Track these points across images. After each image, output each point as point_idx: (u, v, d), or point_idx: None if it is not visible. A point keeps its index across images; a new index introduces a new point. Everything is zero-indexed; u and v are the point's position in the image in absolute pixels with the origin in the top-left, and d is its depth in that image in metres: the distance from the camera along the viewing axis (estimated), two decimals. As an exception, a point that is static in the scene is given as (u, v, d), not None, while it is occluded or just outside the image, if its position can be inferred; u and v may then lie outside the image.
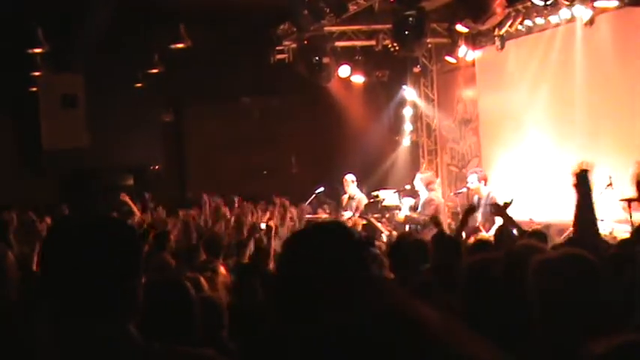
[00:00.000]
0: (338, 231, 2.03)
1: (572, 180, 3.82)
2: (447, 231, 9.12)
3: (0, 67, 13.52)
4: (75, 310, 1.76)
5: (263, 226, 8.35)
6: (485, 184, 10.01)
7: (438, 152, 15.04)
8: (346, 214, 11.42)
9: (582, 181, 3.78)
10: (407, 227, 10.06)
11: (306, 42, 12.71)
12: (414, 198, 10.66)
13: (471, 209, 6.92)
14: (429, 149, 15.16)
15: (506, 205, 6.32)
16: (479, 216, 9.36)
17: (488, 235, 8.44)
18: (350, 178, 11.84)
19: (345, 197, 11.87)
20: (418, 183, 10.28)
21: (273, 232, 7.33)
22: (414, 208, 10.27)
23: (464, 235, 6.61)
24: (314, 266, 1.87)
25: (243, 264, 6.24)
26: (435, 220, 7.56)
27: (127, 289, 1.80)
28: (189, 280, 4.22)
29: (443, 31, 13.09)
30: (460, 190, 11.47)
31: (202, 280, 4.47)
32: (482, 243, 6.06)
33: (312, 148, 17.50)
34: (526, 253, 2.55)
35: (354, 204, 11.61)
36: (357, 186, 11.89)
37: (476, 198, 9.91)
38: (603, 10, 10.36)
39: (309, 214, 12.22)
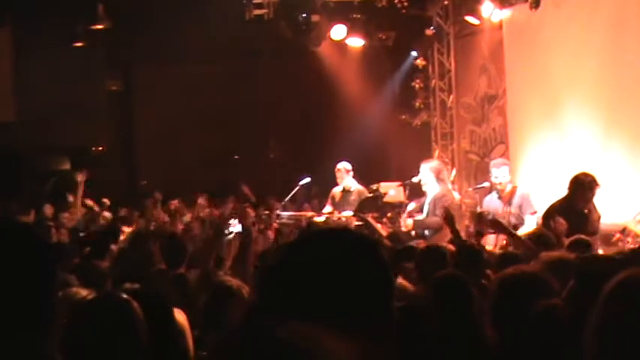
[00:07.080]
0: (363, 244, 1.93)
1: None
2: (465, 235, 9.13)
3: None
4: None
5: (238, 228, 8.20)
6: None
7: (455, 136, 15.09)
8: (345, 213, 11.31)
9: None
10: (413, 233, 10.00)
11: (290, -6, 12.78)
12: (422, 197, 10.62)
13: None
14: (444, 132, 15.22)
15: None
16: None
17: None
18: (344, 167, 11.79)
19: (338, 190, 11.75)
20: (426, 174, 10.15)
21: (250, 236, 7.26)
22: (419, 210, 10.18)
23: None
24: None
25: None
26: (446, 215, 7.54)
27: (37, 306, 2.11)
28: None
29: (463, -17, 13.18)
30: (481, 185, 11.55)
31: None
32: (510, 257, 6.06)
33: (295, 127, 17.43)
34: None
35: (351, 199, 11.53)
36: (354, 177, 11.82)
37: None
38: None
39: (292, 211, 12.13)
